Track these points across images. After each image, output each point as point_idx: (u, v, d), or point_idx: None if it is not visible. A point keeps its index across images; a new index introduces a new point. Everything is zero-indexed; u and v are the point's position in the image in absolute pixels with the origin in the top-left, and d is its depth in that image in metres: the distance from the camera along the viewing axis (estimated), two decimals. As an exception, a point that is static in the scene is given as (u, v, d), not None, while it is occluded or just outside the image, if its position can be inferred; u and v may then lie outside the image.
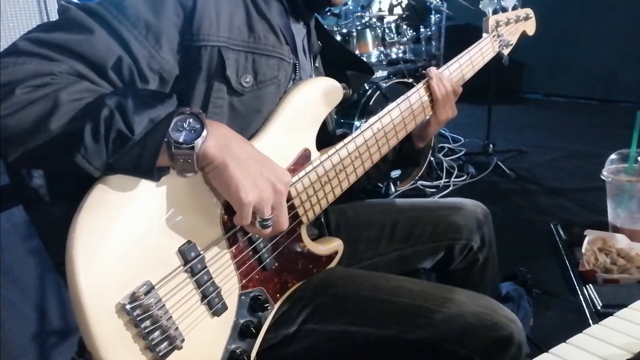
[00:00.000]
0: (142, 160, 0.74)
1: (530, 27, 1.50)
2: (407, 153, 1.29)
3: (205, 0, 0.88)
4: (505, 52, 1.42)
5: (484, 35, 1.36)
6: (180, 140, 0.76)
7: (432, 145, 3.39)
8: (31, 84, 0.74)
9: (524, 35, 1.48)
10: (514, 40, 1.44)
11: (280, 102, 0.99)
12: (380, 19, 3.49)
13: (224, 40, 0.90)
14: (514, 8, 1.43)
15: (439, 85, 1.20)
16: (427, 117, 1.23)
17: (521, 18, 1.45)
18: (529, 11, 1.49)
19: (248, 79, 0.94)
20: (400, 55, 3.51)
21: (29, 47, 0.78)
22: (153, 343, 0.78)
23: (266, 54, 0.96)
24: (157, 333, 0.79)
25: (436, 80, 1.20)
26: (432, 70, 1.21)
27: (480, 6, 1.37)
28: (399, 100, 1.15)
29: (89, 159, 0.73)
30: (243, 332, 0.92)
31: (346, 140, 1.05)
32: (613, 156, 1.33)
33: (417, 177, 3.37)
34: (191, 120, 0.77)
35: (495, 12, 1.38)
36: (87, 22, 0.81)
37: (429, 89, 1.20)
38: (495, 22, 1.38)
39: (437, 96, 1.20)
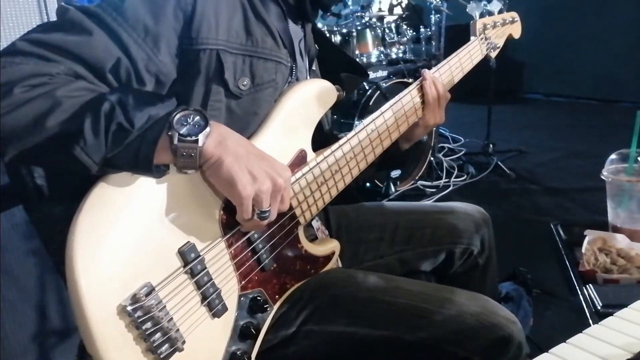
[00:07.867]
0: (140, 153, 0.74)
1: (516, 31, 1.52)
2: (391, 155, 1.26)
3: (205, 4, 0.88)
4: (493, 54, 1.44)
5: (472, 38, 1.38)
6: (184, 132, 0.76)
7: (432, 145, 3.39)
8: (29, 83, 0.74)
9: (509, 38, 1.51)
10: (500, 43, 1.47)
11: (275, 104, 0.99)
12: (380, 19, 3.49)
13: (222, 43, 0.91)
14: (500, 12, 1.46)
15: (431, 88, 1.20)
16: (418, 119, 1.22)
17: (507, 21, 1.48)
18: (514, 15, 1.51)
19: (245, 82, 0.94)
20: (400, 55, 3.51)
21: (27, 48, 0.78)
22: (154, 345, 0.78)
23: (264, 57, 0.96)
24: (158, 335, 0.79)
25: (430, 82, 1.20)
26: (427, 72, 1.21)
27: (467, 10, 1.40)
28: (391, 101, 1.15)
29: (88, 152, 0.73)
30: (243, 334, 0.92)
31: (341, 141, 1.06)
32: (613, 156, 1.33)
33: (417, 177, 3.37)
34: (196, 117, 0.78)
35: (482, 15, 1.41)
36: (86, 23, 0.81)
37: (421, 89, 1.20)
38: (483, 25, 1.40)
39: (428, 99, 1.20)
